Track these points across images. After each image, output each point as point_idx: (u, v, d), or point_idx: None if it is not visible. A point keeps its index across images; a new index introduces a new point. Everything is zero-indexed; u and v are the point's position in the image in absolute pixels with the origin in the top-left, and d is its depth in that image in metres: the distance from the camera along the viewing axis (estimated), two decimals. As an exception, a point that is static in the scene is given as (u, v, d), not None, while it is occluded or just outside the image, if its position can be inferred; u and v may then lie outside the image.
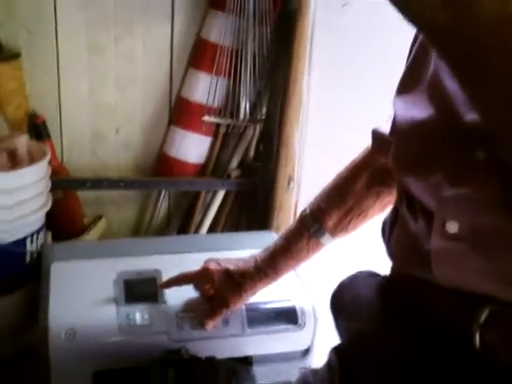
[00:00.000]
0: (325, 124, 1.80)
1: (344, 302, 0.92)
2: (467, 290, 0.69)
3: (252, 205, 1.85)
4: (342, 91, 1.81)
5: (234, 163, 1.83)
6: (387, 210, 0.95)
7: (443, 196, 0.68)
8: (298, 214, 1.14)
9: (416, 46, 0.86)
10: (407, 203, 0.78)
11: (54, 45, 1.71)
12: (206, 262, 1.22)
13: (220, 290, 1.20)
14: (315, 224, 1.07)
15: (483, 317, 0.67)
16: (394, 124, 0.85)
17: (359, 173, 1.03)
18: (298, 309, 1.29)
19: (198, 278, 1.23)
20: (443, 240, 0.68)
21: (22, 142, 1.56)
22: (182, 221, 1.92)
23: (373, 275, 0.92)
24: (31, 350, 1.32)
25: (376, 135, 0.96)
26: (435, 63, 0.77)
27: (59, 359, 1.19)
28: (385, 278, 0.88)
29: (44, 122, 1.74)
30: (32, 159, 1.53)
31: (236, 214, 1.90)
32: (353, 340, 0.87)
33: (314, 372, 0.92)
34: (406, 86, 0.83)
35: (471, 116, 0.64)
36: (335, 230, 1.07)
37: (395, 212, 0.84)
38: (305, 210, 1.11)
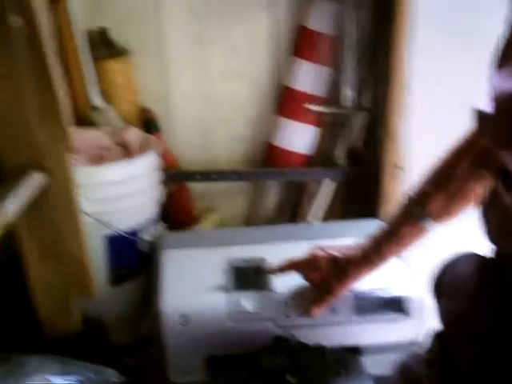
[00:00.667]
0: (431, 108, 1.74)
1: (444, 283, 0.91)
2: None
3: (359, 193, 1.83)
4: (448, 73, 1.73)
5: (340, 152, 1.82)
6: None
7: None
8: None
9: None
10: (503, 179, 0.76)
11: (161, 41, 1.77)
12: (312, 249, 1.23)
13: (326, 277, 1.20)
14: (419, 208, 1.06)
15: None
16: (494, 99, 0.82)
17: (462, 156, 1.01)
18: (406, 298, 1.27)
19: (305, 265, 1.24)
20: None
21: (134, 135, 1.62)
22: (291, 211, 1.93)
23: (474, 256, 0.89)
24: (147, 337, 1.38)
25: (478, 114, 0.93)
26: None
27: (174, 344, 1.23)
28: (485, 258, 0.86)
29: (154, 117, 1.80)
30: (144, 151, 1.59)
31: (343, 203, 1.88)
32: (451, 321, 0.85)
33: (415, 356, 0.91)
34: (506, 58, 0.80)
35: None
36: (439, 215, 1.05)
37: (492, 192, 0.82)
38: (408, 194, 1.10)
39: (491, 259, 0.86)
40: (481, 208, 0.88)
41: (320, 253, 1.21)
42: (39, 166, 1.11)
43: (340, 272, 1.18)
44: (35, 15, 1.03)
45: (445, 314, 0.88)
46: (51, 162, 1.14)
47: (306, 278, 1.26)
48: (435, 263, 0.97)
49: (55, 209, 1.16)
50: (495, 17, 0.80)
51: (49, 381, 1.02)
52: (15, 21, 1.00)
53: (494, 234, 0.83)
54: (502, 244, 0.82)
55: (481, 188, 1.02)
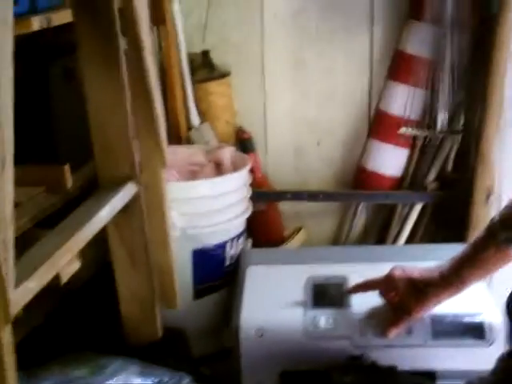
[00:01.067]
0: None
1: None
2: None
3: (449, 218, 1.80)
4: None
5: (432, 175, 1.80)
6: None
7: None
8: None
9: None
10: None
11: (260, 63, 1.83)
12: (391, 269, 1.23)
13: (404, 298, 1.20)
14: (504, 232, 1.04)
15: None
16: None
17: None
18: (486, 324, 1.23)
19: (383, 285, 1.24)
20: None
21: (228, 153, 1.68)
22: (379, 233, 1.93)
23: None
24: (225, 348, 1.42)
25: None
26: None
27: (249, 357, 1.27)
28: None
29: (250, 137, 1.86)
30: (236, 169, 1.65)
31: (433, 227, 1.86)
32: None
33: (480, 379, 0.90)
34: None
35: None
36: None
37: None
38: (494, 217, 1.08)
39: None
40: None
41: (398, 273, 1.20)
42: (135, 179, 1.17)
43: (418, 293, 1.17)
44: (140, 38, 1.11)
45: None
46: (146, 176, 1.21)
47: (384, 297, 1.26)
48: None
49: (146, 220, 1.23)
50: None
51: (129, 381, 1.09)
52: (122, 43, 1.09)
53: None
54: None
55: None
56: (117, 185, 1.14)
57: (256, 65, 1.84)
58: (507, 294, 1.03)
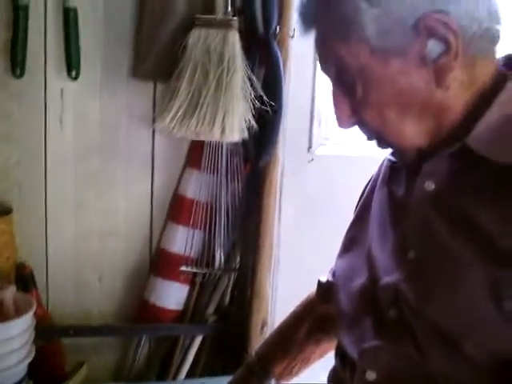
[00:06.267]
0: (295, 271, 1.93)
1: None
2: None
3: (228, 348, 1.92)
4: (312, 240, 1.96)
5: (211, 309, 1.92)
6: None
7: (363, 348, 0.81)
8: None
9: (358, 207, 1.03)
10: (340, 355, 0.91)
11: (42, 200, 1.84)
12: None
13: None
14: (262, 370, 1.15)
15: None
16: (334, 281, 0.99)
17: (301, 322, 1.14)
18: None
19: None
20: None
21: (9, 293, 1.64)
22: (161, 366, 1.98)
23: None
24: None
25: (321, 285, 1.10)
26: (370, 230, 0.92)
27: None
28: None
29: (31, 272, 1.83)
30: (18, 310, 1.61)
31: (212, 358, 1.96)
32: None
33: None
34: (348, 246, 0.98)
35: (386, 279, 0.79)
36: (281, 376, 1.15)
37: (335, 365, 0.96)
38: (251, 355, 1.19)
39: None
40: (328, 377, 1.01)
41: None
42: None
43: None
44: None
45: None
46: None
47: None
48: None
49: None
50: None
51: None
52: None
53: None
54: None
55: (321, 351, 1.15)
56: None
57: (38, 202, 1.85)
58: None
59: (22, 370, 1.57)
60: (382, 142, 0.87)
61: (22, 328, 1.54)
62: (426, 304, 0.76)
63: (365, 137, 0.88)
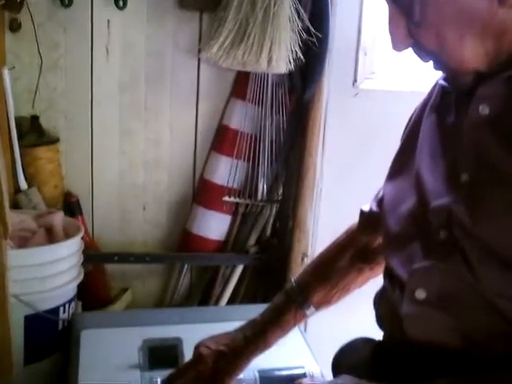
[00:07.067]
0: (337, 204, 1.94)
1: (343, 365, 1.03)
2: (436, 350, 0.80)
3: (268, 279, 1.96)
4: (352, 174, 1.96)
5: (252, 240, 1.96)
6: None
7: (413, 268, 0.83)
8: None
9: (405, 135, 1.02)
10: (389, 276, 0.92)
11: (89, 130, 1.88)
12: (195, 347, 1.20)
13: (216, 372, 1.17)
14: (301, 297, 1.15)
15: None
16: (382, 205, 0.99)
17: (343, 251, 1.15)
18: (308, 375, 1.37)
19: (193, 367, 1.19)
20: (413, 305, 0.82)
21: (58, 218, 1.70)
22: (202, 293, 2.03)
23: (368, 341, 1.03)
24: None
25: (363, 214, 1.10)
26: (419, 156, 0.92)
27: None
28: (378, 343, 0.99)
29: (78, 201, 1.89)
30: (67, 234, 1.67)
31: (253, 288, 2.01)
32: None
33: None
34: (395, 172, 0.98)
35: (437, 202, 0.80)
36: (320, 303, 1.15)
37: (382, 286, 0.98)
38: (291, 282, 1.19)
39: (381, 343, 1.00)
40: (374, 297, 1.03)
41: (205, 351, 1.17)
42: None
43: (229, 364, 1.16)
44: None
45: None
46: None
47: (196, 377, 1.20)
48: (333, 339, 1.10)
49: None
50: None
51: None
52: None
53: (382, 320, 0.98)
54: (387, 330, 0.97)
55: (361, 280, 1.16)
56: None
57: (84, 132, 1.88)
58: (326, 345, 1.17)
59: (71, 290, 1.63)
60: (438, 64, 0.85)
61: (70, 250, 1.59)
62: (480, 224, 0.76)
63: (419, 59, 0.87)
